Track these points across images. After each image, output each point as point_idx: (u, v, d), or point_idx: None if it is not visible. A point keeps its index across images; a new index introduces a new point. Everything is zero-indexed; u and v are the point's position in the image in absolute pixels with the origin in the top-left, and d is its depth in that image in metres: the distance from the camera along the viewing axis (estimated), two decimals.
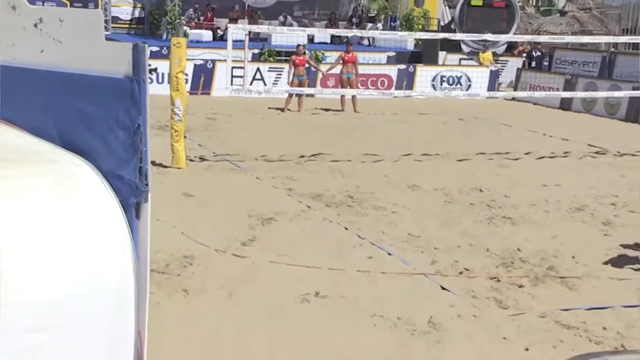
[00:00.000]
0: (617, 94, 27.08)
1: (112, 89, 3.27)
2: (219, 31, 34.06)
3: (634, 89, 26.39)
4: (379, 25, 38.96)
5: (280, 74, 28.99)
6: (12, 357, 2.85)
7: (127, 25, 37.98)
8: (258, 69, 28.31)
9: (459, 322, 9.80)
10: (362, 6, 42.22)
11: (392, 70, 32.67)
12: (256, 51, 30.33)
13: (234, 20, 29.65)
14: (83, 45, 3.38)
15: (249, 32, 22.67)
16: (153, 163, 16.47)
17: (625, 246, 13.34)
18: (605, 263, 12.41)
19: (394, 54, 34.93)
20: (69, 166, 3.18)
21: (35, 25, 3.54)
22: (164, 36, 28.04)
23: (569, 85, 30.00)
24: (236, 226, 13.26)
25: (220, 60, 26.76)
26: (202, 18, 36.65)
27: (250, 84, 22.84)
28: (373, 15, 41.93)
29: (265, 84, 27.91)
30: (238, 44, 20.94)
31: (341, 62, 28.19)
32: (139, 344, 3.26)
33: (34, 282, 2.90)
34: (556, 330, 9.58)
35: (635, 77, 27.70)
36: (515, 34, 35.10)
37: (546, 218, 14.78)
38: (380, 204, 15.12)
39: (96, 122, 3.32)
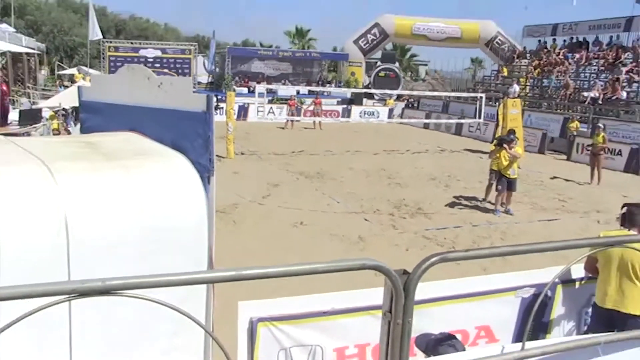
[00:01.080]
0: (450, 121, 30.23)
1: (196, 117, 3.20)
2: (250, 88, 35.09)
3: (458, 118, 29.75)
4: (332, 85, 41.09)
5: (282, 109, 30.94)
6: (141, 254, 2.76)
7: (204, 86, 38.96)
8: (271, 107, 29.85)
9: (374, 237, 10.52)
10: (324, 75, 44.27)
11: (339, 108, 35.77)
12: (270, 98, 32.40)
13: (258, 83, 30.73)
14: (182, 95, 3.34)
15: (266, 89, 25.50)
16: (217, 156, 17.34)
17: (455, 197, 14.35)
18: (446, 206, 13.44)
19: (340, 99, 37.95)
20: (177, 157, 3.12)
21: (158, 86, 3.49)
22: (224, 90, 29.22)
23: (427, 116, 32.63)
24: (260, 188, 14.23)
25: (251, 103, 28.87)
26: (242, 82, 38.04)
27: (267, 114, 23.93)
28: (330, 80, 44.01)
29: (274, 114, 28.85)
30: (261, 95, 23.61)
31: (313, 103, 31.33)
32: (211, 247, 3.08)
33: (160, 214, 2.86)
34: (422, 240, 10.48)
35: (459, 113, 29.26)
36: (401, 90, 37.49)
37: (417, 183, 15.88)
38: (334, 177, 16.37)
39: (188, 134, 3.23)
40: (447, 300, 4.39)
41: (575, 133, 23.01)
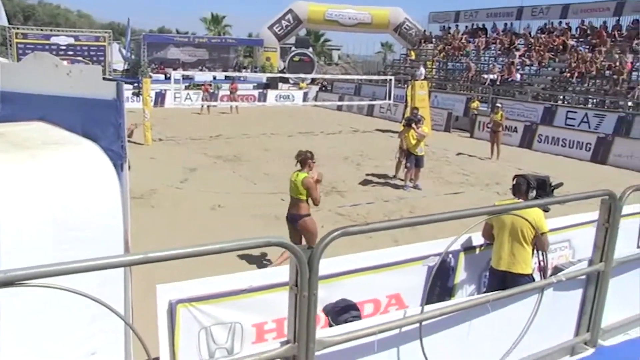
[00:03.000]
0: (362, 102, 30.36)
1: (106, 104, 3.10)
2: (167, 75, 33.96)
3: (369, 100, 30.01)
4: (248, 70, 40.54)
5: (199, 95, 30.00)
6: (53, 245, 2.65)
7: (120, 73, 37.38)
8: (188, 93, 28.82)
9: None
10: (240, 61, 43.63)
11: (255, 92, 35.21)
12: (187, 84, 31.66)
13: (175, 69, 29.79)
14: (92, 83, 3.22)
15: (183, 75, 24.90)
16: (135, 143, 17.12)
17: (367, 175, 14.74)
18: (359, 183, 13.81)
19: (257, 84, 37.16)
20: (88, 145, 3.01)
21: (67, 74, 3.33)
22: (140, 78, 28.06)
23: (341, 99, 32.91)
24: (177, 173, 13.94)
25: (168, 90, 27.62)
26: (158, 68, 37.56)
27: (184, 100, 23.21)
28: (246, 65, 43.24)
29: (191, 100, 27.93)
30: (177, 81, 23.32)
31: (230, 88, 30.67)
32: (126, 233, 3.02)
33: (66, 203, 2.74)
34: (336, 217, 10.74)
35: (371, 95, 29.57)
36: (315, 74, 37.44)
37: (331, 163, 15.59)
38: (250, 159, 16.29)
39: (99, 122, 3.10)
40: (360, 272, 4.50)
41: (476, 112, 23.89)
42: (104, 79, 3.35)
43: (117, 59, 39.38)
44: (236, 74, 36.67)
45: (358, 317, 3.39)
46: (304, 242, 7.32)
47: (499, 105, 19.21)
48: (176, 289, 3.88)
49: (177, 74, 22.92)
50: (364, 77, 32.60)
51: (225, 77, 34.32)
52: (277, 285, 4.09)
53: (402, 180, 13.51)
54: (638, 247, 5.98)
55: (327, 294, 4.25)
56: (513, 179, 5.44)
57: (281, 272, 4.05)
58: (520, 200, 5.21)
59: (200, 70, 37.24)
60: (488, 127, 19.86)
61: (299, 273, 1.86)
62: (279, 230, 9.43)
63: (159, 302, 3.81)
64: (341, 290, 4.34)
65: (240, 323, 4.13)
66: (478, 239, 5.40)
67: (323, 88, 37.54)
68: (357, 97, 33.12)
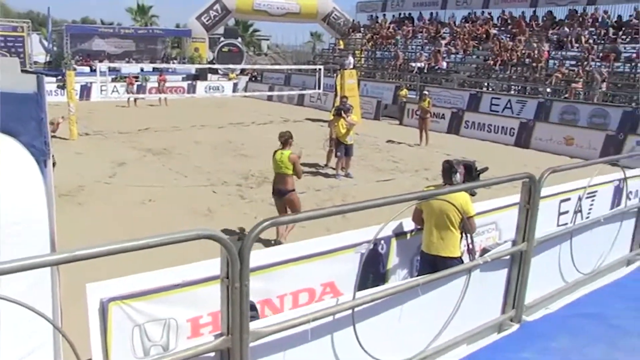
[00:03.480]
0: (292, 92, 30.26)
1: (27, 98, 2.98)
2: (92, 67, 32.53)
3: (299, 90, 29.78)
4: (177, 61, 39.80)
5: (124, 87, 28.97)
6: None
7: (42, 66, 35.54)
8: (115, 86, 27.73)
9: (222, 208, 10.62)
10: (168, 52, 42.73)
11: (184, 84, 34.56)
12: (114, 76, 30.57)
13: (100, 61, 28.61)
14: (10, 76, 3.12)
15: (109, 67, 24.11)
16: (60, 137, 16.51)
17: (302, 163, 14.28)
18: None
19: (185, 75, 36.41)
20: (8, 141, 2.86)
21: None
22: (63, 70, 26.67)
23: (271, 89, 32.77)
24: (105, 168, 13.55)
25: (94, 82, 26.52)
26: (83, 60, 36.28)
27: (111, 93, 22.37)
28: (174, 56, 42.30)
29: (118, 93, 26.99)
30: (103, 74, 22.19)
31: (158, 80, 29.86)
32: (52, 233, 2.96)
33: None
34: (268, 207, 10.48)
35: (301, 84, 29.84)
36: (244, 64, 37.11)
37: (263, 153, 15.27)
38: (180, 152, 15.99)
39: (19, 117, 2.96)
40: (294, 261, 4.47)
41: (405, 100, 24.31)
42: (23, 71, 3.22)
43: (38, 50, 37.61)
44: (164, 65, 35.87)
45: (255, 317, 3.32)
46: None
47: (426, 92, 19.62)
48: (107, 287, 3.76)
49: (102, 66, 22.18)
50: (294, 67, 32.57)
51: (153, 68, 33.55)
52: (211, 278, 4.04)
53: (333, 169, 13.60)
54: (558, 225, 6.31)
55: (262, 285, 4.25)
56: (442, 165, 5.56)
57: (215, 265, 4.01)
58: (448, 185, 5.33)
59: (127, 62, 36.18)
60: (417, 115, 20.25)
61: (230, 265, 1.86)
62: (211, 222, 9.50)
63: (89, 302, 3.68)
64: (276, 281, 4.33)
65: (174, 319, 4.05)
66: (409, 225, 5.50)
67: (253, 78, 37.24)
68: (287, 87, 33.03)
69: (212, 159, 14.94)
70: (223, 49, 39.71)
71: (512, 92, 24.48)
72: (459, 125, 21.76)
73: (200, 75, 35.94)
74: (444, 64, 28.51)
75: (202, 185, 12.10)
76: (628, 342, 3.98)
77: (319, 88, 26.13)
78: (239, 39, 42.68)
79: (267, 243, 7.57)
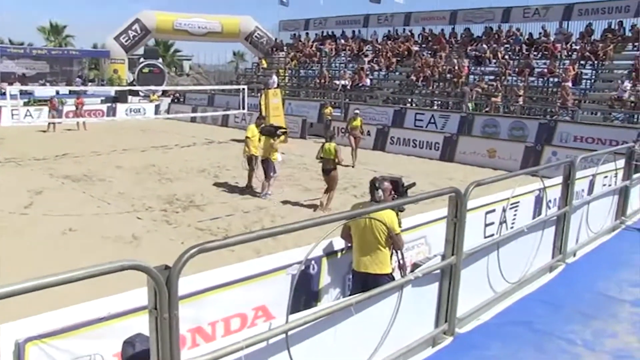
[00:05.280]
0: (216, 113, 30.82)
1: None
2: (2, 90, 30.84)
3: (223, 110, 30.22)
4: (95, 83, 39.09)
5: (40, 111, 28.28)
6: None
7: None
8: (27, 110, 26.20)
9: (148, 234, 10.45)
10: (85, 74, 41.43)
11: (104, 107, 33.85)
12: (26, 100, 29.34)
13: (10, 84, 27.29)
14: None
15: (20, 90, 23.35)
16: None
17: (226, 187, 14.94)
18: (217, 196, 13.72)
19: (105, 98, 35.47)
20: None
21: None
22: None
23: (194, 110, 33.04)
24: (21, 197, 13.20)
25: (4, 106, 24.78)
26: None
27: (24, 118, 21.40)
28: (92, 78, 41.01)
29: (32, 117, 25.95)
30: (14, 97, 21.58)
31: (76, 103, 28.88)
32: None
33: None
34: (196, 232, 10.54)
35: (225, 105, 30.26)
36: (166, 85, 36.69)
37: (188, 176, 16.01)
38: (102, 178, 15.74)
39: None
40: (224, 287, 4.42)
41: (330, 118, 24.53)
42: None
43: None
44: (82, 87, 34.82)
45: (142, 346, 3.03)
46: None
47: (357, 111, 19.98)
48: (23, 326, 3.57)
49: (13, 89, 21.32)
50: (217, 87, 32.40)
51: (70, 91, 32.49)
52: (139, 308, 3.92)
53: (254, 190, 13.80)
54: (485, 237, 6.50)
55: (193, 313, 4.17)
56: (371, 180, 5.62)
57: (142, 295, 3.89)
58: (374, 202, 5.40)
59: (42, 84, 34.85)
60: (342, 132, 20.53)
61: (158, 295, 1.81)
62: (137, 250, 9.25)
63: (3, 344, 3.48)
64: (206, 308, 4.26)
65: (100, 354, 3.89)
66: (339, 243, 5.53)
67: (175, 100, 36.79)
68: (210, 107, 32.94)
69: (135, 184, 14.64)
70: (143, 70, 39.02)
71: (435, 107, 25.25)
72: (384, 141, 22.20)
73: (120, 97, 35.09)
74: (368, 81, 29.07)
75: (125, 212, 11.83)
76: (554, 344, 4.23)
77: (244, 108, 26.08)
78: (160, 60, 42.09)
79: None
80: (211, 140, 23.81)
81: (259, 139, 13.61)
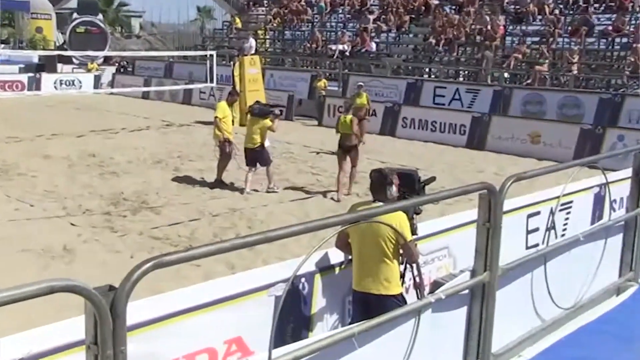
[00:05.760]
0: (176, 87, 30.30)
1: None
2: None
3: (185, 83, 30.09)
4: (10, 45, 38.11)
5: None
6: None
7: None
8: None
9: (85, 245, 10.33)
10: None
11: (24, 77, 33.38)
12: None
13: None
14: None
15: None
16: None
17: (189, 182, 14.76)
18: (178, 194, 13.59)
19: (24, 65, 35.09)
20: None
21: None
22: None
23: (147, 83, 32.75)
24: None
25: None
26: None
27: None
28: (5, 38, 40.24)
29: None
30: None
31: None
32: None
33: None
34: (149, 242, 10.48)
35: (187, 76, 29.88)
36: (108, 51, 36.39)
37: (138, 169, 15.80)
38: (23, 172, 15.37)
39: None
40: (187, 313, 4.38)
41: (324, 93, 24.52)
42: None
43: None
44: None
45: None
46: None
47: (362, 84, 19.86)
48: None
49: None
50: (177, 53, 32.21)
51: None
52: (73, 344, 3.88)
53: (224, 183, 14.02)
54: (527, 247, 6.50)
55: (146, 348, 4.11)
56: (370, 176, 5.59)
57: (77, 326, 3.84)
58: (380, 201, 5.37)
59: None
60: (340, 112, 20.48)
61: (99, 326, 1.78)
62: (70, 268, 9.10)
63: None
64: (162, 341, 4.22)
65: None
66: (337, 255, 5.52)
67: (122, 69, 36.60)
68: (168, 80, 32.76)
69: (68, 179, 14.53)
70: (77, 30, 38.70)
71: (461, 79, 25.25)
72: (394, 123, 22.18)
73: (47, 65, 34.80)
74: (373, 46, 29.03)
75: (55, 217, 11.73)
76: None
77: (212, 81, 26.04)
78: (100, 16, 41.83)
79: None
80: (169, 123, 23.75)
81: (234, 121, 13.72)
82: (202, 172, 15.28)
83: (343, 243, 5.42)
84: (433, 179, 6.22)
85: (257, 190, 13.66)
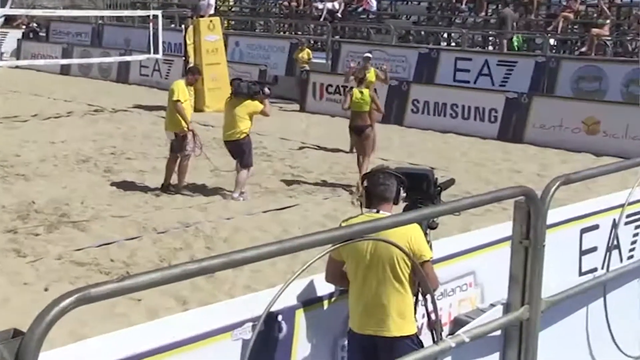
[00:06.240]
0: (107, 59, 30.07)
1: None
2: None
3: (120, 54, 29.84)
4: None
5: None
6: None
7: None
8: None
9: None
10: None
11: None
12: None
13: None
14: None
15: None
16: None
17: (126, 188, 14.69)
18: (110, 205, 13.35)
19: None
20: None
21: None
22: None
23: (67, 54, 32.46)
24: None
25: None
26: None
27: None
28: None
29: None
30: None
31: None
32: None
33: None
34: (72, 269, 10.32)
35: (123, 45, 29.29)
36: (11, 8, 35.67)
37: (56, 171, 15.67)
38: None
39: None
40: None
41: (307, 67, 24.44)
42: None
43: None
44: None
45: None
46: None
47: (369, 55, 19.15)
48: None
49: None
50: (109, 12, 31.95)
51: None
52: None
53: (173, 189, 14.12)
54: (580, 274, 6.52)
55: None
56: (362, 182, 5.58)
57: None
58: (383, 212, 5.36)
59: None
60: (328, 93, 20.51)
61: None
62: None
63: None
64: None
65: None
66: (325, 285, 5.52)
67: (31, 34, 36.32)
68: (97, 49, 32.54)
69: None
70: None
71: (491, 47, 25.30)
72: (402, 107, 22.16)
73: None
74: (374, 3, 29.03)
75: None
76: None
77: (156, 51, 25.93)
78: None
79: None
80: (99, 108, 23.65)
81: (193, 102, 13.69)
82: (143, 174, 15.28)
83: (336, 274, 5.40)
84: (452, 181, 6.25)
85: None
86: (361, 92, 14.53)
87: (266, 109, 13.83)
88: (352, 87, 15.04)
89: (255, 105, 13.61)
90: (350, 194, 13.49)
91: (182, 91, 14.20)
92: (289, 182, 15.08)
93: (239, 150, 13.78)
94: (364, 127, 14.45)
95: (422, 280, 5.23)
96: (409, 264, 5.17)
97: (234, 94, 13.86)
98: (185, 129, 14.08)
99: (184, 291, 8.59)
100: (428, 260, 5.26)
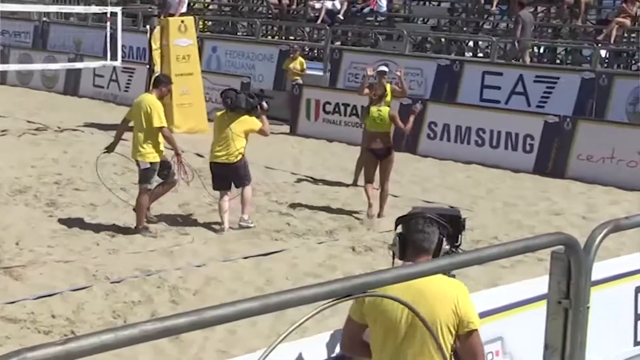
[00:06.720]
0: (53, 66, 29.66)
1: None
2: None
3: (69, 60, 29.68)
4: None
5: None
6: None
7: None
8: None
9: None
10: None
11: None
12: None
13: None
14: None
15: None
16: None
17: (71, 225, 14.75)
18: (52, 246, 13.43)
19: None
20: None
21: None
22: None
23: (2, 57, 32.24)
24: None
25: None
26: None
27: None
28: None
29: None
30: None
31: None
32: None
33: None
34: (2, 327, 10.30)
35: (73, 48, 29.43)
36: None
37: None
38: None
39: None
40: None
41: (299, 80, 24.49)
42: None
43: None
44: None
45: None
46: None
47: (385, 68, 18.62)
48: None
49: None
50: (56, 8, 32.06)
51: None
52: None
53: (145, 230, 14.05)
54: (636, 343, 6.53)
55: None
56: (396, 226, 5.54)
57: None
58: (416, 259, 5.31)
59: None
60: (325, 112, 20.58)
61: None
62: None
63: None
64: None
65: None
66: (320, 351, 5.52)
67: None
68: (40, 52, 32.81)
69: None
70: None
71: (527, 58, 25.43)
72: (416, 132, 22.19)
73: None
74: (383, 3, 29.20)
75: None
76: None
77: (114, 56, 26.03)
78: None
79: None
80: (41, 126, 23.73)
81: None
82: (95, 208, 15.33)
83: (356, 342, 5.39)
84: (459, 219, 6.21)
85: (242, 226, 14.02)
86: (379, 111, 15.18)
87: (265, 126, 14.12)
88: (369, 105, 15.65)
89: (253, 122, 13.90)
90: (361, 223, 13.70)
91: (162, 110, 14.17)
92: (275, 222, 15.11)
93: (236, 174, 14.07)
94: (388, 148, 15.18)
95: (467, 352, 5.21)
96: (454, 332, 5.12)
97: (231, 108, 13.99)
98: (173, 156, 14.26)
99: (144, 356, 8.59)
100: (476, 330, 5.20)
